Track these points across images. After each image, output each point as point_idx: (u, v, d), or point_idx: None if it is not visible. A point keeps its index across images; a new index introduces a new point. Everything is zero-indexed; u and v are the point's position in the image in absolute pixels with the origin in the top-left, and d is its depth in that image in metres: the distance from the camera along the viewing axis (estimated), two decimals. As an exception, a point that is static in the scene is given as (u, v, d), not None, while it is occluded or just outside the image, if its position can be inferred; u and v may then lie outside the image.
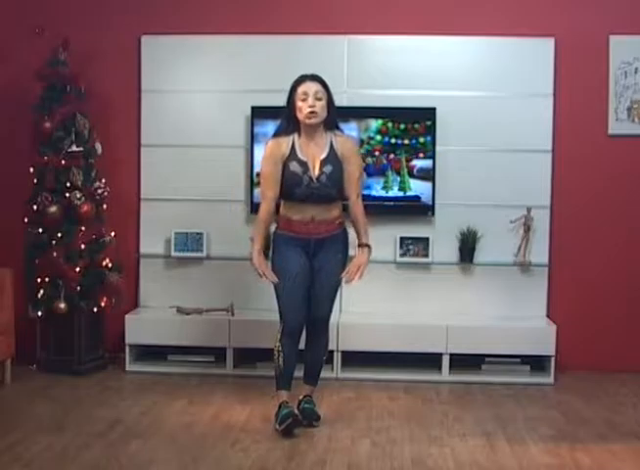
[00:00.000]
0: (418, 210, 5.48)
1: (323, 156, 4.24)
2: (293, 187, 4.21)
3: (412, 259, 5.53)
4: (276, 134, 4.32)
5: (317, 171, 4.21)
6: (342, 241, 4.33)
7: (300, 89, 4.20)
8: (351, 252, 4.37)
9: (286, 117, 4.28)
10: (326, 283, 4.29)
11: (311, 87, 4.19)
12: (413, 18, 5.50)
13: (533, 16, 5.45)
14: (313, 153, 4.24)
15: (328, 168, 4.23)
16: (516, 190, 5.50)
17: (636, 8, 5.44)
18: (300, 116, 4.20)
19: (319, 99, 4.20)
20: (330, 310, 4.37)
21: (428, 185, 5.43)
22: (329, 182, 4.22)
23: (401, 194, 5.45)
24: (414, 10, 5.50)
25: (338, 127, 4.35)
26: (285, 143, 4.25)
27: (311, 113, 4.18)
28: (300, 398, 4.43)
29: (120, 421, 4.37)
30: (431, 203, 5.44)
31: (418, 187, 5.44)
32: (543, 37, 5.45)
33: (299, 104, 4.20)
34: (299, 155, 4.24)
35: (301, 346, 4.38)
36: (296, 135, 4.27)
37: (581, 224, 5.54)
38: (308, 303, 4.29)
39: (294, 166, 4.22)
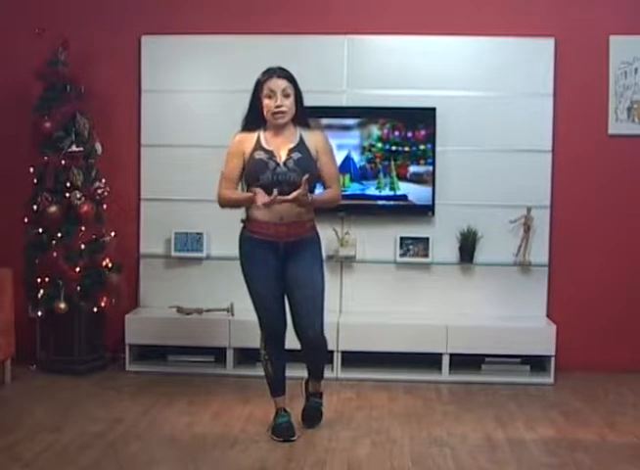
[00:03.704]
0: (416, 209, 5.48)
1: (291, 145, 3.98)
2: (257, 174, 3.93)
3: (412, 259, 5.53)
4: (243, 130, 4.08)
5: (284, 157, 3.94)
6: (315, 246, 4.10)
7: (267, 86, 3.95)
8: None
9: (251, 114, 4.04)
10: (309, 295, 4.03)
11: (279, 84, 3.94)
12: (413, 18, 5.50)
13: (533, 16, 5.45)
14: (280, 143, 3.99)
15: (296, 155, 3.95)
16: (516, 190, 5.50)
17: (636, 8, 5.44)
18: (267, 115, 3.97)
19: (287, 95, 3.95)
20: (322, 323, 4.09)
21: (418, 187, 5.43)
22: (297, 167, 3.92)
23: (391, 193, 5.47)
24: (414, 10, 5.50)
25: (308, 125, 4.09)
26: (250, 139, 4.01)
27: (279, 113, 3.95)
28: (311, 390, 4.36)
29: (120, 421, 4.37)
30: (428, 203, 5.45)
31: (408, 188, 5.44)
32: (543, 37, 5.44)
33: (266, 101, 3.95)
34: (265, 145, 3.99)
35: (296, 346, 4.23)
36: (261, 131, 4.03)
37: (581, 224, 5.54)
38: (293, 314, 4.09)
39: (258, 154, 3.97)
